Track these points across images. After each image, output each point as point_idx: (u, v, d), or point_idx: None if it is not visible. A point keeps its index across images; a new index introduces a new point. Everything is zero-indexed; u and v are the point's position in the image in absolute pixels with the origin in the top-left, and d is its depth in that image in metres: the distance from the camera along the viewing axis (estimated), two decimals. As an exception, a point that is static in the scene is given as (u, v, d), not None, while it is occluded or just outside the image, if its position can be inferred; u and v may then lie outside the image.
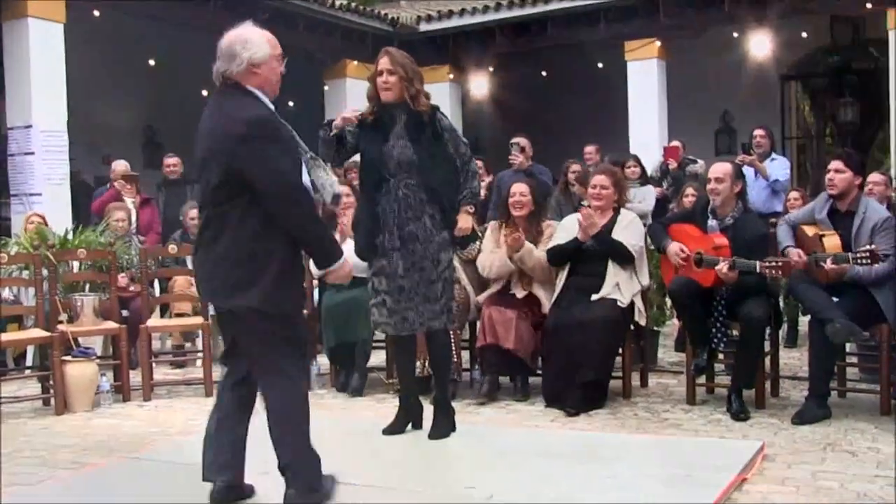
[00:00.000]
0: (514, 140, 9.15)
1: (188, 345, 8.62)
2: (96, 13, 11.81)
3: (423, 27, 15.40)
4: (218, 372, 6.83)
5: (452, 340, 6.26)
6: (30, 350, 7.70)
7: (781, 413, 5.86)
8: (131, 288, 7.77)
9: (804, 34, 14.69)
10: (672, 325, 7.95)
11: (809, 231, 5.85)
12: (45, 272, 6.79)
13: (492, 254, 6.58)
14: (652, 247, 6.51)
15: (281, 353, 3.95)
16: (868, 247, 5.41)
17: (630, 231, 6.36)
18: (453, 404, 5.61)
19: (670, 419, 5.88)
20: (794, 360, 7.62)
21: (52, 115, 10.33)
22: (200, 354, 7.49)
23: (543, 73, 16.31)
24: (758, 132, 9.58)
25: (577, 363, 6.02)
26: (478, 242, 6.55)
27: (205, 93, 12.46)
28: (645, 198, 9.60)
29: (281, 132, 3.88)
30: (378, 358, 7.26)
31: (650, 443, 5.33)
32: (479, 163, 8.50)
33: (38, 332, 6.67)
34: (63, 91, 10.41)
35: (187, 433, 5.72)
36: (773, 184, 9.23)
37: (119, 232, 8.22)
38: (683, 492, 4.27)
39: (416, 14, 15.59)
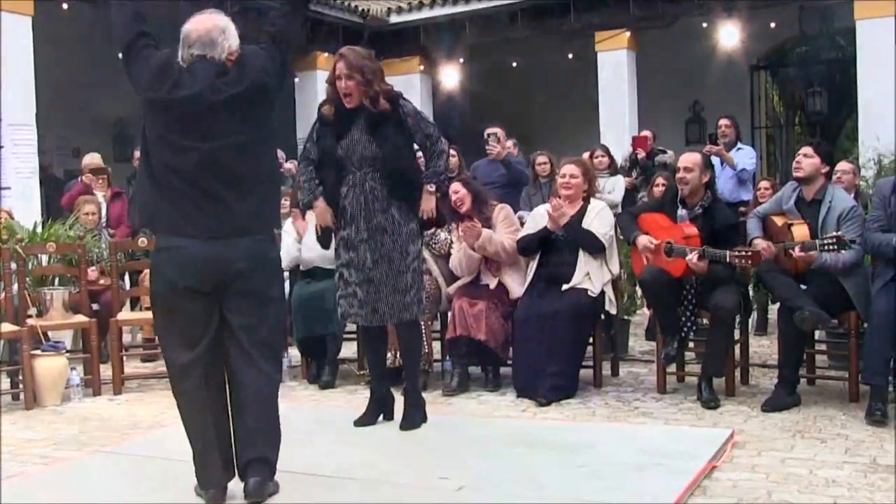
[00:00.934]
0: (491, 130, 9.15)
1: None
2: (65, 6, 11.74)
3: (394, 19, 15.40)
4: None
5: (423, 331, 6.28)
6: (-2, 344, 7.63)
7: (751, 400, 5.90)
8: (101, 281, 7.70)
9: (773, 24, 14.80)
10: (643, 315, 7.97)
11: (778, 221, 5.89)
12: (13, 266, 6.74)
13: (458, 252, 6.60)
14: (622, 237, 6.53)
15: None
16: (834, 234, 5.46)
17: (600, 220, 6.37)
18: (424, 395, 5.62)
19: (641, 408, 5.91)
20: (764, 347, 7.66)
21: (21, 109, 10.25)
22: (171, 348, 7.41)
23: (514, 64, 16.35)
24: (723, 122, 9.64)
25: (547, 353, 6.03)
26: (446, 233, 6.56)
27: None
28: (615, 188, 9.65)
29: None
30: (349, 349, 7.27)
31: (621, 431, 5.34)
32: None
33: (7, 327, 6.60)
34: (32, 84, 10.33)
35: (158, 426, 5.71)
36: (739, 173, 9.29)
37: (89, 225, 8.18)
38: (654, 479, 4.28)
39: (387, 6, 15.57)
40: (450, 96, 16.20)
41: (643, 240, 6.06)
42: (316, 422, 5.64)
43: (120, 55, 4.03)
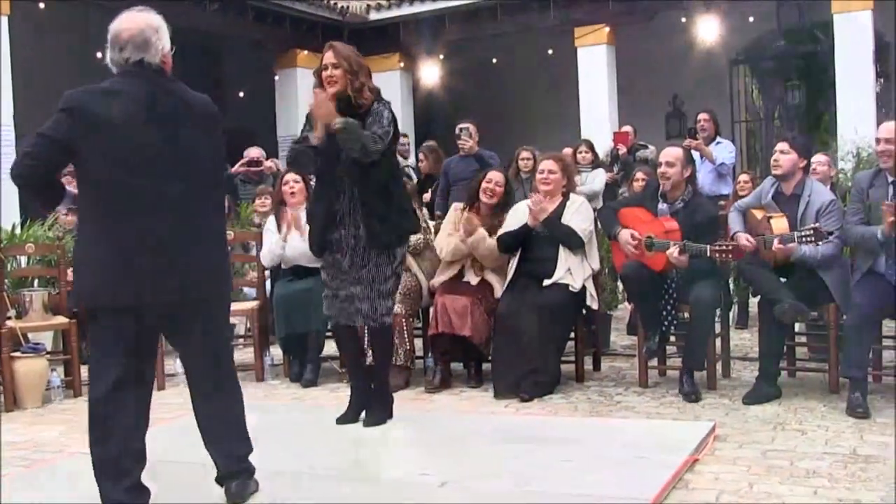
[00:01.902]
0: (463, 125, 9.21)
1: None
2: (42, 5, 11.69)
3: (373, 16, 15.49)
4: (170, 365, 6.87)
5: (405, 329, 6.36)
6: (-22, 347, 7.59)
7: (732, 393, 5.94)
8: (81, 282, 7.67)
9: (751, 19, 14.88)
10: (624, 309, 8.03)
11: (758, 214, 5.92)
12: (-8, 268, 6.70)
13: (449, 236, 6.60)
14: (602, 232, 6.56)
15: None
16: (811, 225, 5.49)
17: (580, 216, 6.39)
18: (407, 392, 5.67)
19: (623, 402, 5.94)
20: (745, 341, 7.72)
21: None
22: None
23: (494, 60, 16.40)
24: (702, 116, 9.66)
25: (529, 348, 6.05)
26: (421, 235, 6.58)
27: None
28: (595, 179, 9.71)
29: None
30: (331, 347, 7.24)
31: (604, 426, 5.37)
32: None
33: (-14, 329, 6.58)
34: (9, 84, 10.27)
35: (140, 427, 5.70)
36: (719, 167, 9.31)
37: (68, 226, 8.14)
38: (637, 473, 4.30)
39: (366, 3, 15.61)
40: (430, 93, 16.23)
41: (625, 234, 6.07)
42: (299, 419, 5.65)
43: None
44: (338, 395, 6.25)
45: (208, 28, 13.48)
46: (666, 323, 6.10)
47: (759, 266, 5.78)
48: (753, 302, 7.36)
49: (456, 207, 6.83)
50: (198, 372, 3.96)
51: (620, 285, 6.95)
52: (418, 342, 6.89)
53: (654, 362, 6.43)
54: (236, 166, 10.25)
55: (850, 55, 12.78)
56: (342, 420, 5.40)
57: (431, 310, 6.51)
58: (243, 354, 7.64)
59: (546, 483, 4.25)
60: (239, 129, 12.75)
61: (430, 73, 15.95)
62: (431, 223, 7.15)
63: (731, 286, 6.78)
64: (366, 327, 5.44)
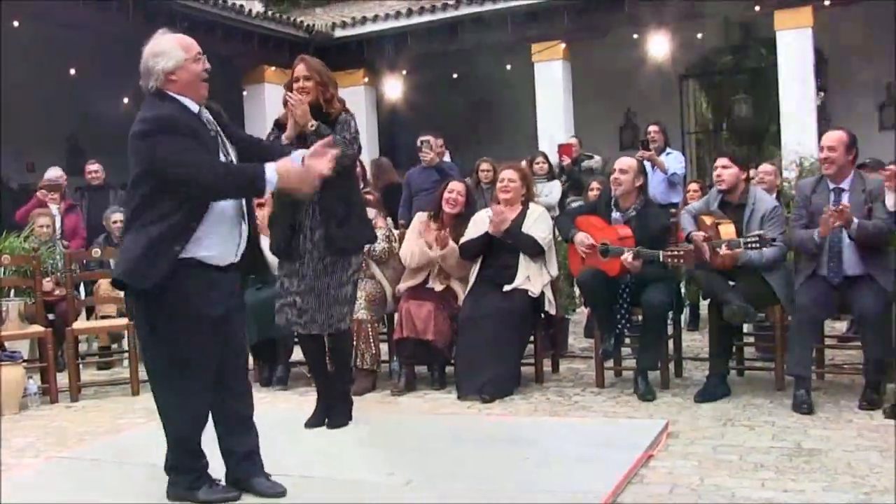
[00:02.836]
0: (424, 138, 9.31)
1: (114, 346, 8.60)
2: (16, 23, 11.70)
3: (339, 33, 15.67)
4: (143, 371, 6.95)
5: (371, 334, 6.47)
6: (-45, 356, 7.63)
7: (685, 392, 6.09)
8: (56, 292, 7.77)
9: (699, 36, 15.10)
10: (581, 313, 8.14)
11: (707, 220, 6.05)
12: (-32, 279, 6.77)
13: (417, 241, 6.71)
14: (560, 238, 6.72)
15: None
16: (756, 232, 5.69)
17: (539, 225, 6.56)
18: (372, 395, 5.85)
19: (580, 402, 6.07)
20: (696, 342, 7.86)
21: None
22: (127, 355, 7.48)
23: (455, 76, 16.52)
24: (652, 128, 9.89)
25: (490, 351, 6.18)
26: (386, 244, 6.72)
27: (126, 100, 12.46)
28: (552, 191, 9.93)
29: (179, 127, 3.95)
30: (300, 353, 7.35)
31: (562, 425, 5.48)
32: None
33: (-36, 338, 6.63)
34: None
35: (116, 432, 5.79)
36: (670, 176, 9.54)
37: (43, 238, 8.26)
38: (594, 469, 4.41)
39: (332, 21, 15.78)
40: (393, 107, 16.37)
41: (580, 236, 6.24)
42: (268, 423, 5.69)
43: None
44: (307, 399, 6.28)
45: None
46: (620, 326, 6.24)
47: (709, 270, 5.90)
48: (704, 305, 7.54)
49: (420, 216, 6.96)
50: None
51: (577, 290, 7.07)
52: (384, 346, 6.98)
53: (609, 363, 6.59)
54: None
55: (792, 70, 13.19)
56: (310, 424, 5.53)
57: (396, 315, 6.63)
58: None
59: (507, 480, 4.36)
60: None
61: (394, 87, 16.08)
62: (396, 232, 7.25)
63: (683, 290, 6.91)
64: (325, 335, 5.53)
